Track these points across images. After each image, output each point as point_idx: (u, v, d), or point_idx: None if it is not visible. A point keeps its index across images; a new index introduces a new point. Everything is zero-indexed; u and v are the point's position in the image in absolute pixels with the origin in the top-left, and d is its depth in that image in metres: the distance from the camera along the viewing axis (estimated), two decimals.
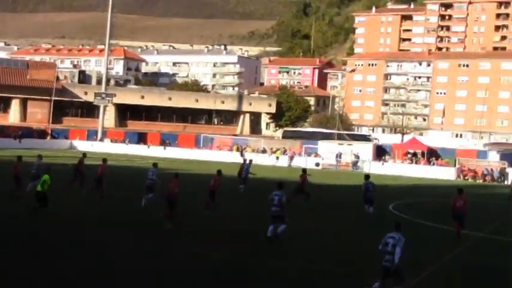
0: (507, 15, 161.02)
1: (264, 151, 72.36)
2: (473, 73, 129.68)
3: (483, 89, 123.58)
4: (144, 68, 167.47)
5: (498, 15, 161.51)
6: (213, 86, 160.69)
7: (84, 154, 32.85)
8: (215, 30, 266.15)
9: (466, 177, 61.01)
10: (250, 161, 38.71)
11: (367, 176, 27.59)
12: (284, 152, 70.53)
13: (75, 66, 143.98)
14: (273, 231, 19.26)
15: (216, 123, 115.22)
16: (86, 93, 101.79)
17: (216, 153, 72.53)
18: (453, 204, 22.49)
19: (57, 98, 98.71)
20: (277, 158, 67.90)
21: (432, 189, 47.18)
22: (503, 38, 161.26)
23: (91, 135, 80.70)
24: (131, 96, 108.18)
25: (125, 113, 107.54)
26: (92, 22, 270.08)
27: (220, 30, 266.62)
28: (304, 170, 31.71)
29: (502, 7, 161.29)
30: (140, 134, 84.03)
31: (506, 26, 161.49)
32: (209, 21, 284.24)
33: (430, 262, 17.77)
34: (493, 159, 65.46)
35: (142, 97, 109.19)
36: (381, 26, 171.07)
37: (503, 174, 60.22)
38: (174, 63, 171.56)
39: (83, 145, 74.40)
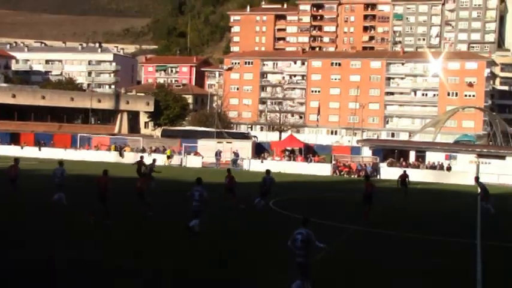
0: (374, 16, 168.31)
1: (143, 150, 71.50)
2: (345, 71, 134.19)
3: (355, 86, 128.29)
4: (14, 66, 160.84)
5: (365, 17, 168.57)
6: (89, 84, 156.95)
7: None
8: (89, 27, 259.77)
9: (342, 173, 63.12)
10: (154, 160, 38.87)
11: (267, 171, 29.68)
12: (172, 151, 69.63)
13: None
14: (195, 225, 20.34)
15: (93, 122, 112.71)
16: None
17: (94, 153, 70.96)
18: (365, 189, 26.97)
19: None
20: (168, 157, 67.01)
21: (310, 184, 48.50)
22: (372, 38, 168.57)
23: None
24: (1, 95, 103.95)
25: None
26: None
27: (94, 27, 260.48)
28: (228, 170, 32.77)
29: (369, 9, 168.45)
30: (12, 134, 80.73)
31: (373, 27, 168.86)
32: (82, 17, 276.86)
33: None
34: (366, 154, 68.09)
35: (14, 96, 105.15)
36: (256, 25, 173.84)
37: (375, 169, 62.86)
38: (47, 61, 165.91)
39: None
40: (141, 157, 40.11)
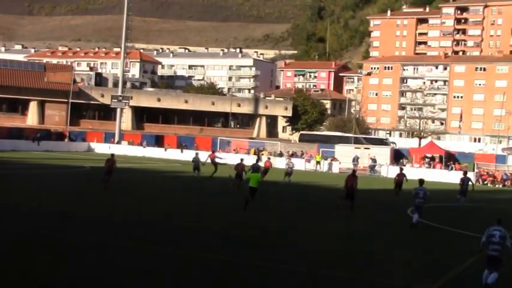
0: None
1: (280, 154, 72.21)
2: (491, 76, 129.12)
3: (501, 92, 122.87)
4: (160, 71, 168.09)
5: None
6: (229, 89, 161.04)
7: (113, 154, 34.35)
8: (230, 33, 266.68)
9: (485, 182, 60.55)
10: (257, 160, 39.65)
11: (421, 181, 26.10)
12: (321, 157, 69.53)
13: (91, 68, 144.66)
14: (417, 219, 24.66)
15: (232, 126, 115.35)
16: (102, 96, 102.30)
17: (234, 156, 72.47)
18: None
19: (74, 101, 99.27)
20: (318, 162, 67.30)
21: (452, 193, 46.80)
22: None
23: (108, 138, 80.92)
24: (148, 99, 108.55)
25: (142, 115, 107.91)
26: (107, 25, 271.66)
27: (235, 33, 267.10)
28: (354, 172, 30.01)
29: None
30: (157, 136, 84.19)
31: None
32: (224, 24, 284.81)
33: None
34: None
35: (159, 100, 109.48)
36: (397, 29, 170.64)
37: None
38: (190, 66, 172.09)
39: (100, 147, 74.68)
40: (241, 159, 37.99)
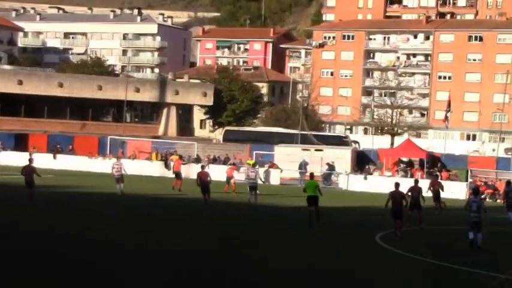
0: None
1: (197, 159, 72.11)
2: (489, 49, 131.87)
3: (503, 70, 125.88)
4: (21, 41, 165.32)
5: None
6: (123, 67, 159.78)
7: None
8: None
9: (483, 196, 61.87)
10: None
11: (475, 191, 30.91)
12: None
13: None
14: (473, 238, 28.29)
15: (128, 120, 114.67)
16: None
17: (130, 163, 71.96)
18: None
19: None
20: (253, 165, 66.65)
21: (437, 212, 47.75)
22: None
23: None
24: (3, 82, 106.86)
25: None
26: None
27: None
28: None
29: None
30: (18, 135, 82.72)
31: None
32: None
33: None
34: None
35: (20, 83, 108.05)
36: None
37: None
38: (66, 35, 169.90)
39: None
40: (202, 166, 43.03)
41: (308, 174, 42.49)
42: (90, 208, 38.22)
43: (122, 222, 32.82)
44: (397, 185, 32.35)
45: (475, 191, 29.93)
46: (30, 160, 38.94)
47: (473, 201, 28.42)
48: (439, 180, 42.90)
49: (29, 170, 37.21)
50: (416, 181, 39.95)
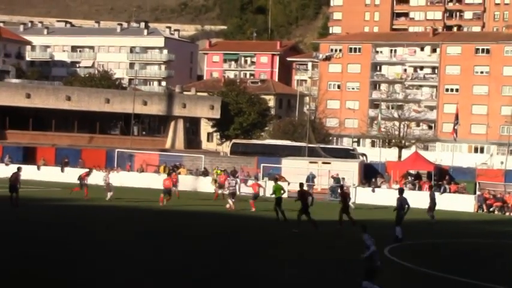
0: None
1: (205, 172, 72.19)
2: (497, 61, 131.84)
3: (511, 83, 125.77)
4: (29, 54, 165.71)
5: None
6: (131, 80, 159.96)
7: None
8: (131, 0, 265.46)
9: (491, 209, 61.81)
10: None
11: (400, 191, 33.92)
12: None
13: None
14: None
15: (136, 133, 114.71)
16: None
17: (138, 176, 72.08)
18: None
19: None
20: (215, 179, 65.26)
21: (444, 225, 47.79)
22: None
23: None
24: (11, 95, 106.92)
25: (3, 118, 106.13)
26: None
27: (138, 0, 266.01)
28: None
29: None
30: (26, 148, 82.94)
31: None
32: None
33: None
34: None
35: (28, 96, 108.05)
36: None
37: None
38: (74, 48, 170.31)
39: None
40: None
41: (274, 178, 49.09)
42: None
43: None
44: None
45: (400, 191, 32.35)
46: (19, 169, 43.02)
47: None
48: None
49: (14, 176, 41.08)
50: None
